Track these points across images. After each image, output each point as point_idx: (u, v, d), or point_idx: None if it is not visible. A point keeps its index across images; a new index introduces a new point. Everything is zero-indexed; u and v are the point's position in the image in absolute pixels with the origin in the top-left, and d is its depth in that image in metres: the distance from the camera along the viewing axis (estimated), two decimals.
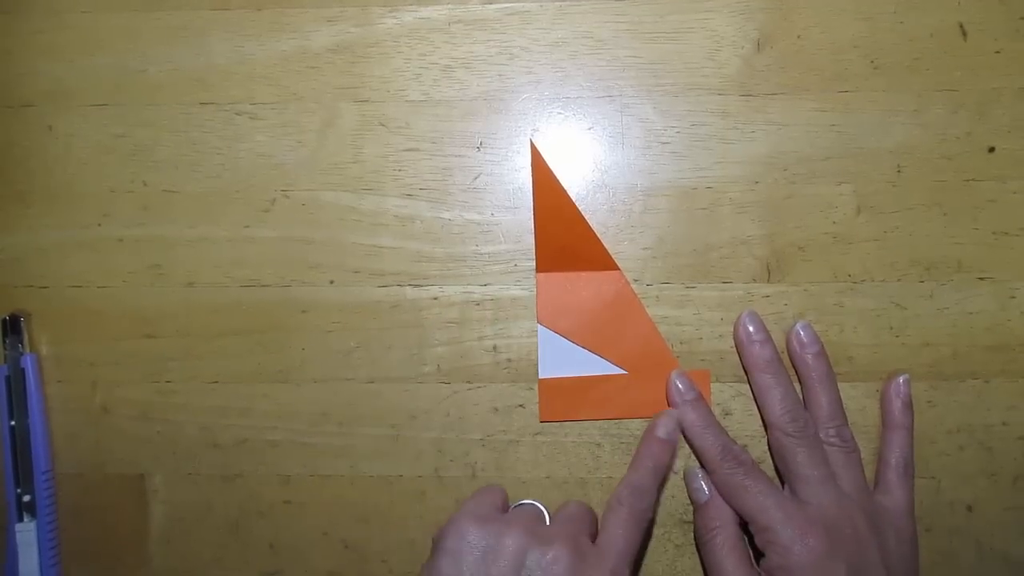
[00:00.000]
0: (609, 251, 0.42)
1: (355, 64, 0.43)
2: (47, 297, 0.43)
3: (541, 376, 0.42)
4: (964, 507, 0.41)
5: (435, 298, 0.43)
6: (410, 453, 0.43)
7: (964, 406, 0.41)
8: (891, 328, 0.42)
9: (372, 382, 0.43)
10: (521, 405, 0.42)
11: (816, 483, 0.38)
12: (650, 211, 0.42)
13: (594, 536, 0.38)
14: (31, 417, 0.42)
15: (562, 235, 0.42)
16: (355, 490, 0.43)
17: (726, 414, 0.42)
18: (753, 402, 0.41)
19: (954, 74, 0.42)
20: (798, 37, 0.42)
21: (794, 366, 0.41)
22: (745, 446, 0.41)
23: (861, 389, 0.42)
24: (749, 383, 0.41)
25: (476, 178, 0.43)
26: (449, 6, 0.43)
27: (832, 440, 0.39)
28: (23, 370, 0.43)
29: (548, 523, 0.38)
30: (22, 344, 0.43)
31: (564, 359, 0.42)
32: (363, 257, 0.43)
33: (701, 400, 0.41)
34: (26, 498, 0.42)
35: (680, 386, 0.41)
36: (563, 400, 0.42)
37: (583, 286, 0.42)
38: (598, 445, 0.42)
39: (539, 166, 0.43)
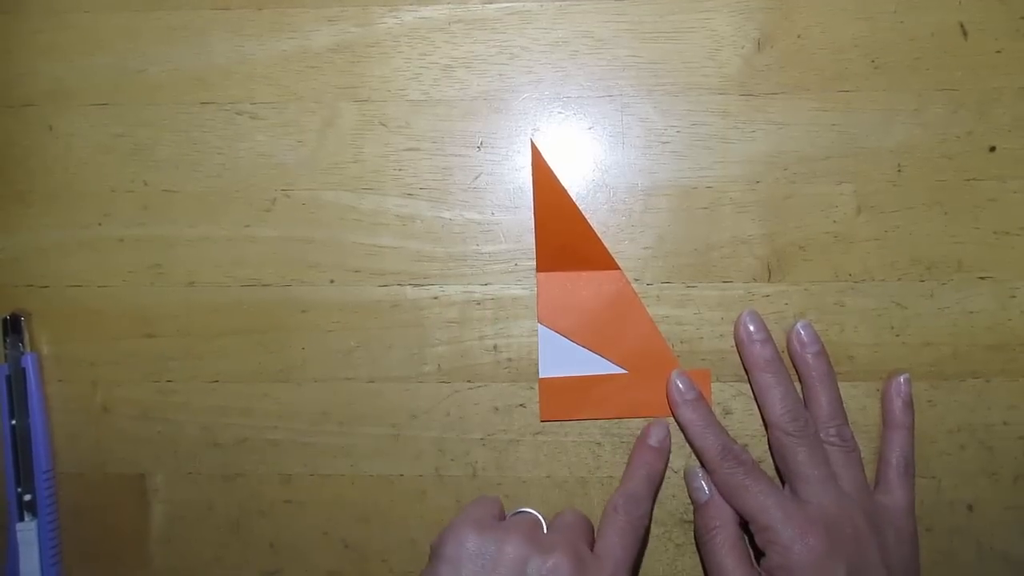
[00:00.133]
0: (609, 250, 0.42)
1: (355, 64, 0.43)
2: (47, 297, 0.43)
3: (541, 375, 0.42)
4: (965, 507, 0.41)
5: (435, 297, 0.43)
6: (410, 453, 0.43)
7: (965, 405, 0.41)
8: (892, 327, 0.42)
9: (372, 381, 0.43)
10: (522, 404, 0.42)
11: (816, 483, 0.38)
12: (650, 211, 0.42)
13: (592, 544, 0.38)
14: (32, 416, 0.42)
15: (562, 234, 0.42)
16: (355, 490, 0.43)
17: (727, 413, 0.42)
18: (753, 401, 0.41)
19: (955, 73, 0.42)
20: (798, 36, 0.42)
21: (794, 365, 0.41)
22: (745, 446, 0.41)
23: (862, 388, 0.42)
24: (749, 382, 0.41)
25: (476, 178, 0.43)
26: (449, 6, 0.43)
27: (832, 439, 0.39)
28: (24, 370, 0.43)
29: (546, 531, 0.38)
30: (23, 344, 0.43)
31: (564, 358, 0.42)
32: (363, 257, 0.43)
33: (701, 400, 0.41)
34: (27, 497, 0.42)
35: (680, 385, 0.41)
36: (564, 399, 0.42)
37: (583, 285, 0.42)
38: (599, 444, 0.42)
39: (539, 166, 0.43)
